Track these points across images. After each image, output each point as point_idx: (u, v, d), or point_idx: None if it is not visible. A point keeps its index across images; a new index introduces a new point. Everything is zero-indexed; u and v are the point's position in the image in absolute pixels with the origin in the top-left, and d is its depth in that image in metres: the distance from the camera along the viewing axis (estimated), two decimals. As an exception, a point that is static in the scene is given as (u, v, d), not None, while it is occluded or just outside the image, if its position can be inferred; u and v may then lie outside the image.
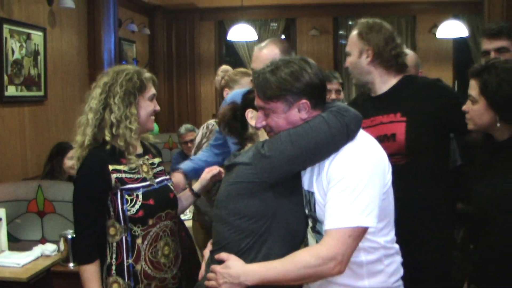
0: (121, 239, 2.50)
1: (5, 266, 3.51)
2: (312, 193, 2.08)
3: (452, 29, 8.13)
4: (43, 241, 3.83)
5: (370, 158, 2.00)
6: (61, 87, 6.64)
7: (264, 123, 2.12)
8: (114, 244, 2.52)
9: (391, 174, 2.10)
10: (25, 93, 5.77)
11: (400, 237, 2.23)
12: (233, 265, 2.01)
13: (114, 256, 2.52)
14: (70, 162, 5.05)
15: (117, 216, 2.49)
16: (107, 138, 2.49)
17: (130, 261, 2.50)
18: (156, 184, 2.59)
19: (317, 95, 2.08)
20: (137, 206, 2.48)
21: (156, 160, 2.70)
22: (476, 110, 2.39)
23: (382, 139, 2.63)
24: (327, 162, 2.01)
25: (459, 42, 9.41)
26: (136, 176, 2.53)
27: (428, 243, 2.65)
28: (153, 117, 2.62)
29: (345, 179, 1.94)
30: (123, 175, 2.50)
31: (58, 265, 3.59)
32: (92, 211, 2.47)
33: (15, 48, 5.56)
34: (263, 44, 3.19)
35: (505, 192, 2.28)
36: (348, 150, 2.00)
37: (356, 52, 2.77)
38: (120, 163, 2.51)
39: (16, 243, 3.84)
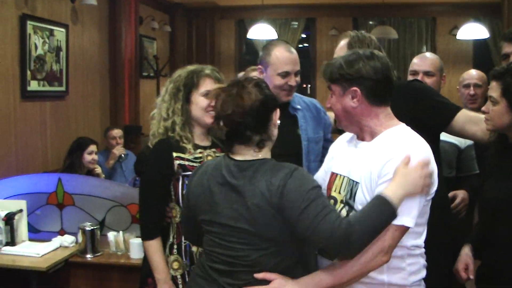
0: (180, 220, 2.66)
1: (25, 256, 3.62)
2: (357, 183, 2.14)
3: (472, 31, 8.08)
4: (61, 232, 3.93)
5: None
6: (82, 83, 6.76)
7: (329, 104, 2.26)
8: (175, 225, 2.70)
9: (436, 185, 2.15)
10: (47, 88, 5.89)
11: None
12: (287, 284, 2.04)
13: (175, 236, 2.71)
14: (90, 156, 5.16)
15: (177, 199, 2.67)
16: (161, 130, 2.72)
17: (187, 241, 2.67)
18: None
19: (372, 89, 2.13)
20: None
21: None
22: (496, 111, 2.43)
23: None
24: (383, 159, 2.06)
25: (479, 44, 9.38)
26: (199, 165, 2.63)
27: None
28: (211, 112, 2.58)
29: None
30: (186, 163, 2.66)
31: (76, 256, 3.69)
32: (155, 192, 2.67)
33: (38, 44, 5.68)
34: (286, 45, 3.22)
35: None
36: (404, 153, 2.04)
37: None
38: (184, 152, 2.68)
39: (36, 233, 3.95)
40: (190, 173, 2.61)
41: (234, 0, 9.81)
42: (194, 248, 2.69)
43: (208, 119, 2.68)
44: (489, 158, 2.60)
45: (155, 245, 2.66)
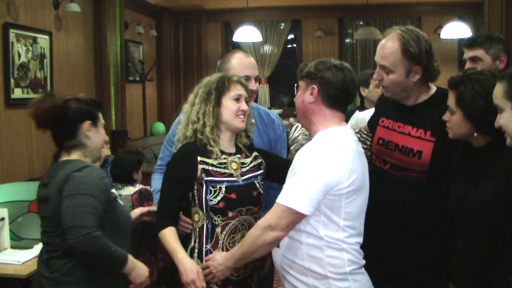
0: (203, 225, 2.69)
1: (6, 263, 3.65)
2: None
3: (457, 30, 8.14)
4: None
5: (325, 161, 2.33)
6: (67, 89, 6.79)
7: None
8: (197, 230, 2.71)
9: (353, 183, 2.36)
10: (31, 95, 5.92)
11: (406, 243, 2.68)
12: (218, 257, 2.56)
13: (197, 240, 2.71)
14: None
15: (200, 204, 2.68)
16: (188, 133, 2.75)
17: (208, 246, 2.69)
18: (242, 181, 2.71)
19: (328, 92, 2.46)
20: (219, 198, 2.64)
21: (248, 160, 2.82)
22: (454, 121, 2.44)
23: (407, 152, 2.70)
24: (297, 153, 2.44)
25: (463, 42, 9.40)
26: (223, 170, 2.69)
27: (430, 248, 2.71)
28: (241, 116, 2.75)
29: (297, 169, 2.35)
30: (210, 168, 2.68)
31: (57, 263, 3.71)
32: (174, 192, 2.70)
33: (21, 52, 5.72)
34: (244, 53, 3.35)
35: (476, 198, 2.35)
36: (313, 149, 2.39)
37: (403, 71, 2.64)
38: (209, 157, 2.70)
39: (18, 241, 3.98)
40: (213, 178, 2.66)
41: (220, 3, 9.86)
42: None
43: (238, 123, 2.74)
44: (454, 163, 2.59)
45: (167, 232, 2.65)
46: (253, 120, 2.99)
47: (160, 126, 9.37)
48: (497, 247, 2.25)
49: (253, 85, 3.18)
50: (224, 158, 2.72)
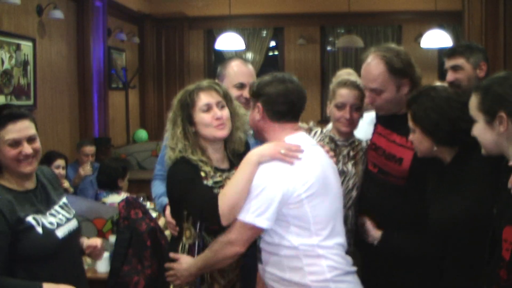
0: (194, 243, 2.55)
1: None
2: None
3: (437, 38, 8.22)
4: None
5: (275, 172, 2.34)
6: (51, 96, 6.78)
7: None
8: (187, 246, 2.57)
9: (311, 187, 2.35)
10: (14, 102, 5.89)
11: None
12: (184, 262, 2.52)
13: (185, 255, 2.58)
14: (56, 170, 5.17)
15: (194, 223, 2.54)
16: (174, 156, 2.56)
17: None
18: None
19: (270, 106, 2.45)
20: None
21: None
22: (416, 139, 2.53)
23: (391, 158, 2.82)
24: None
25: (443, 52, 9.49)
26: (218, 190, 2.47)
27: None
28: (219, 124, 2.54)
29: (253, 185, 2.34)
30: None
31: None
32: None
33: (4, 58, 5.70)
34: (243, 60, 3.34)
35: (451, 216, 2.41)
36: (268, 165, 2.35)
37: (393, 88, 2.75)
38: (206, 177, 2.52)
39: None
40: None
41: (203, 10, 9.87)
42: None
43: (216, 132, 2.55)
44: (428, 181, 2.65)
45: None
46: (246, 114, 2.76)
47: (142, 133, 9.35)
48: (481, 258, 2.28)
49: (247, 93, 3.03)
50: (219, 176, 2.54)
